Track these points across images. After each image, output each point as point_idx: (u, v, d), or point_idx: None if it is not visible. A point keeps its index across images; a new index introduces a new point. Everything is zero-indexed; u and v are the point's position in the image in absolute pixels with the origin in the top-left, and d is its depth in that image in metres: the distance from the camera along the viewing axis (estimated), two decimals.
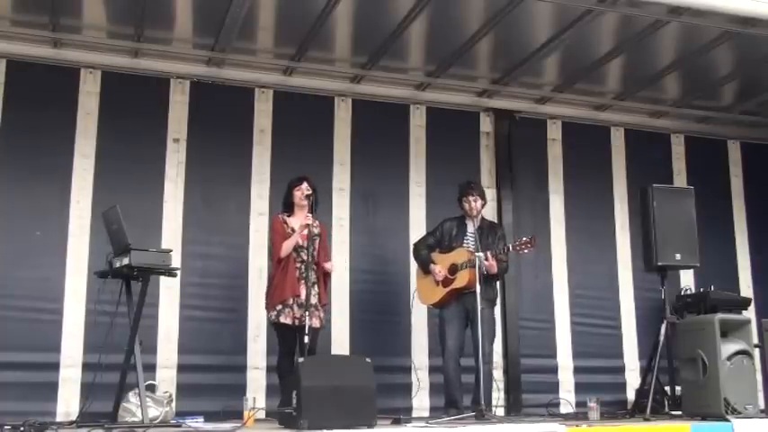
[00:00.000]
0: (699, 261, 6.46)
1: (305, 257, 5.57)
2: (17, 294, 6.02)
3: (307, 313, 5.34)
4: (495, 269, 5.85)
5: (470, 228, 6.09)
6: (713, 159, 8.42)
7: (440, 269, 6.02)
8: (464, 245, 6.05)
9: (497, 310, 7.14)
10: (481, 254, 5.72)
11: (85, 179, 6.36)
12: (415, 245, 6.36)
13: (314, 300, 5.52)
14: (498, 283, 6.26)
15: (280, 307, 5.53)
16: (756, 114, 8.14)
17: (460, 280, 5.88)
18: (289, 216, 5.78)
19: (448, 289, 5.97)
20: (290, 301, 5.51)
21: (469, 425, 5.16)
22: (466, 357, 5.96)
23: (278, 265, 5.63)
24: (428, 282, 6.14)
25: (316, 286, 5.59)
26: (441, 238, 6.18)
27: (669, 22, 6.11)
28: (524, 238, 5.85)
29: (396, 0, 5.93)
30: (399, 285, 6.89)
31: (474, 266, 5.73)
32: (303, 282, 5.53)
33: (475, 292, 5.63)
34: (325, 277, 5.77)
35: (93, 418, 5.07)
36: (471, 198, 6.09)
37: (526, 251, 5.89)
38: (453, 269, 5.96)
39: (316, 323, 5.51)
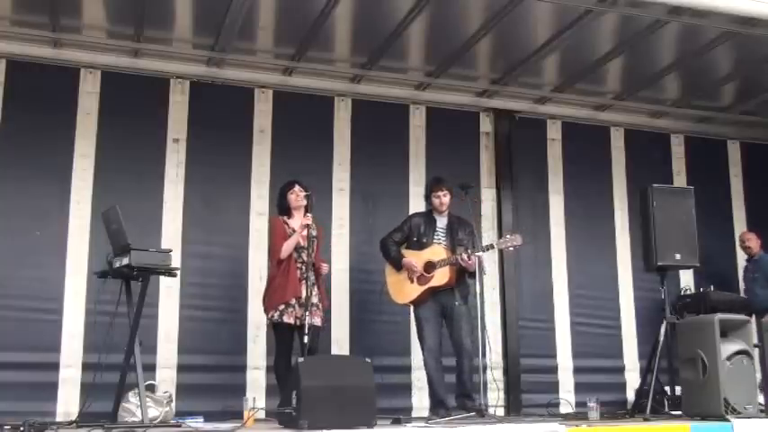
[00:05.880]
0: (699, 261, 6.46)
1: (305, 258, 5.57)
2: (17, 294, 6.03)
3: (307, 313, 5.34)
4: (473, 268, 5.71)
5: (440, 223, 6.02)
6: (713, 159, 8.43)
7: (416, 263, 5.87)
8: (435, 241, 5.96)
9: (497, 309, 7.19)
10: (481, 253, 5.67)
11: (85, 179, 6.37)
12: (383, 241, 6.13)
13: (315, 299, 5.53)
14: (478, 281, 5.90)
15: (282, 307, 5.52)
16: (756, 114, 8.14)
17: (439, 278, 5.79)
18: (286, 217, 5.78)
19: (425, 287, 5.85)
20: (292, 302, 5.50)
21: (469, 425, 5.15)
22: (446, 357, 5.89)
23: (278, 266, 5.62)
24: (401, 279, 5.98)
25: (315, 286, 5.59)
26: (409, 234, 6.05)
27: (669, 22, 6.11)
28: (508, 236, 5.85)
29: (396, 0, 5.93)
30: None
31: (452, 264, 5.73)
32: (304, 282, 5.53)
33: (450, 288, 5.67)
34: (320, 277, 5.75)
35: (93, 418, 5.05)
36: (441, 193, 6.00)
37: (512, 248, 5.87)
38: (429, 267, 5.86)
39: (317, 321, 5.53)
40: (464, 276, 5.84)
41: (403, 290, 5.99)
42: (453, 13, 6.08)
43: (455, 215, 6.11)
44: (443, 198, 6.00)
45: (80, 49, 6.44)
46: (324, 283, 5.82)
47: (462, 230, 5.98)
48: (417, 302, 5.93)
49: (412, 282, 5.92)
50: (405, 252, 6.02)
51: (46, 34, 6.24)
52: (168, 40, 6.51)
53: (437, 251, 5.89)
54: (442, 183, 6.06)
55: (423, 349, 5.91)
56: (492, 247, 5.92)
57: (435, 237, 5.98)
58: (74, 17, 6.14)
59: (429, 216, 6.10)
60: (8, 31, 6.21)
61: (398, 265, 5.98)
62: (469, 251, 5.72)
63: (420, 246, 5.97)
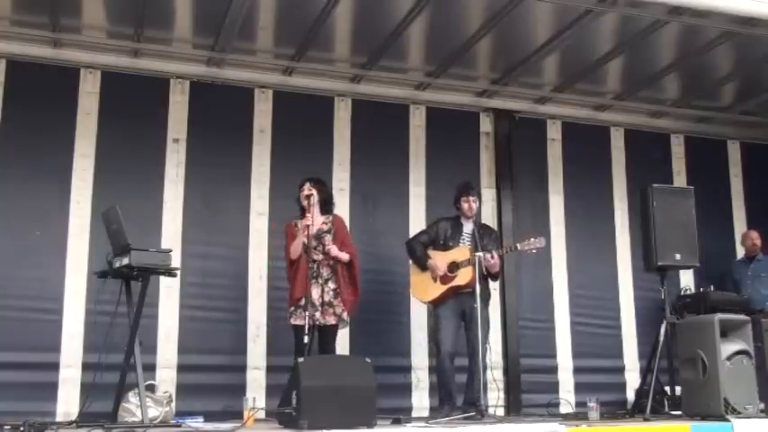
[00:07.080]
0: (699, 261, 6.46)
1: (314, 257, 5.59)
2: (17, 294, 6.02)
3: (306, 313, 5.34)
4: (497, 268, 5.88)
5: (467, 228, 6.10)
6: (713, 159, 8.43)
7: (440, 263, 5.99)
8: (461, 245, 6.04)
9: (497, 309, 7.18)
10: (481, 253, 5.71)
11: (85, 179, 6.37)
12: (409, 242, 6.31)
13: (327, 297, 5.58)
14: (497, 282, 6.25)
15: (292, 309, 5.58)
16: (756, 114, 8.14)
17: (462, 278, 5.87)
18: (302, 218, 5.78)
19: (447, 286, 5.94)
20: (303, 302, 5.50)
21: (469, 425, 5.16)
22: (459, 357, 5.92)
23: (291, 267, 5.70)
24: (425, 278, 6.11)
25: (330, 282, 5.63)
26: (435, 237, 6.16)
27: (669, 22, 6.11)
28: (532, 239, 5.83)
29: (396, 0, 5.93)
30: (399, 285, 6.87)
31: (475, 265, 5.75)
32: (314, 281, 5.55)
33: (471, 291, 5.67)
34: (345, 269, 5.74)
35: (93, 418, 5.05)
36: (471, 198, 6.12)
37: (534, 251, 5.89)
38: (453, 267, 5.94)
39: (331, 320, 5.58)
40: (486, 280, 5.89)
41: (426, 288, 6.09)
42: (453, 13, 6.08)
43: (480, 222, 6.26)
44: (473, 204, 6.12)
45: (80, 49, 6.44)
46: (345, 277, 5.73)
47: (488, 237, 6.09)
48: (439, 301, 6.01)
49: (435, 281, 6.01)
50: (431, 253, 6.10)
51: (46, 34, 6.24)
52: (168, 40, 6.51)
53: (463, 252, 5.95)
54: (472, 188, 6.21)
55: (438, 348, 5.96)
56: (516, 248, 5.95)
57: (461, 241, 6.07)
58: (74, 17, 6.14)
59: (456, 221, 6.18)
60: (8, 31, 6.20)
61: (423, 264, 6.09)
62: (494, 252, 5.79)
63: (446, 249, 6.06)
